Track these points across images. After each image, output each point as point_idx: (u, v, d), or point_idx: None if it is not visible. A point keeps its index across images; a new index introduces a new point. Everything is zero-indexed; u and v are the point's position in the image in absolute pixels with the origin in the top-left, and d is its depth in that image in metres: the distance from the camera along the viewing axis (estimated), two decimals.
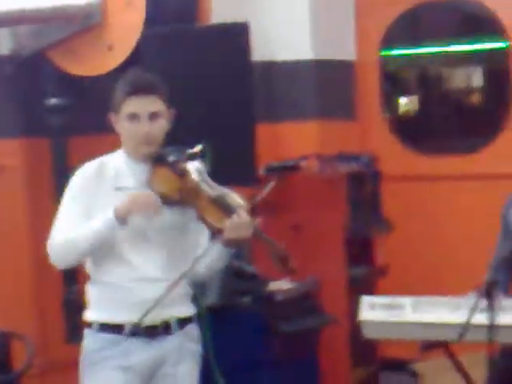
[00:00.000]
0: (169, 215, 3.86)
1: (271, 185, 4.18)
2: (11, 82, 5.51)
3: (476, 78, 8.06)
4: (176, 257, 3.90)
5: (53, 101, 5.35)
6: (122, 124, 3.85)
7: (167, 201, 3.84)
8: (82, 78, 5.32)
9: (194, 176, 3.86)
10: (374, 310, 4.19)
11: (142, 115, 3.78)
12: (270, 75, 6.45)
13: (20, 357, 4.78)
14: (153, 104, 3.79)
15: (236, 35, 5.14)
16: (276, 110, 6.55)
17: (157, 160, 3.84)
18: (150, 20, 5.23)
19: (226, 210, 3.80)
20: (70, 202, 3.89)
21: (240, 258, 4.71)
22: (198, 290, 4.41)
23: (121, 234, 3.84)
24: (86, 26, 5.30)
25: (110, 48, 5.28)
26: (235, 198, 3.88)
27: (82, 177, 3.90)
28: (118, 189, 3.84)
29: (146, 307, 3.73)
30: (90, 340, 3.85)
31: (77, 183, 3.90)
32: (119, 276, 3.81)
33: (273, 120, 6.43)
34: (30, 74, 5.47)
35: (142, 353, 3.83)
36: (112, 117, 3.88)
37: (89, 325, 3.85)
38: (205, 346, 4.15)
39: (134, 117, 3.79)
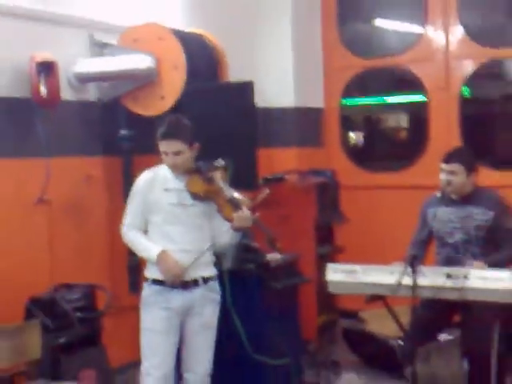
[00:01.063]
0: (198, 207, 3.94)
1: (266, 192, 4.21)
2: (97, 119, 5.51)
3: (404, 120, 8.10)
4: (202, 235, 3.97)
5: (123, 131, 5.38)
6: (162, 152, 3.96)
7: (197, 198, 3.91)
8: (143, 116, 5.31)
9: (217, 182, 3.92)
10: (336, 273, 4.20)
11: (169, 152, 3.88)
12: (267, 116, 6.46)
13: (100, 302, 4.85)
14: (176, 145, 3.86)
15: (245, 89, 5.13)
16: (270, 139, 6.56)
17: (192, 170, 3.92)
18: (189, 77, 5.22)
19: (236, 206, 3.88)
20: (133, 197, 4.02)
21: (247, 237, 4.73)
22: (219, 259, 4.41)
23: (166, 219, 3.93)
24: (146, 82, 5.30)
25: (162, 98, 5.28)
26: (243, 199, 3.97)
27: (142, 181, 4.01)
28: (166, 189, 3.93)
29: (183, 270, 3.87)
30: (147, 289, 3.98)
31: (138, 185, 4.02)
32: (165, 248, 3.88)
33: (268, 146, 6.45)
34: (109, 114, 5.48)
35: (178, 299, 3.91)
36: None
37: (146, 279, 3.99)
38: (224, 296, 4.23)
39: (164, 153, 3.91)
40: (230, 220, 3.93)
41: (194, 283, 3.93)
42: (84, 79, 5.42)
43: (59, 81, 5.05)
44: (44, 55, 4.96)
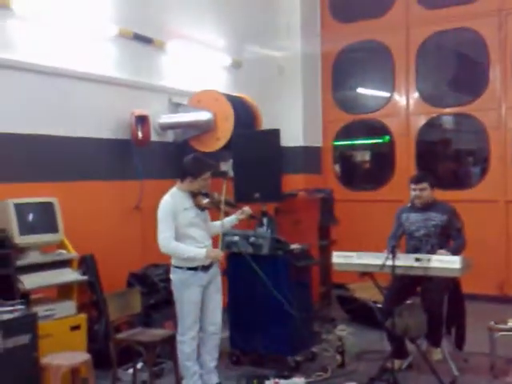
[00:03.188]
0: (204, 213, 3.86)
1: (226, 184, 3.92)
2: (173, 154, 5.52)
3: (376, 155, 7.93)
4: (207, 232, 3.87)
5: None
6: (196, 182, 3.74)
7: (204, 209, 3.84)
8: (203, 152, 5.25)
9: (211, 195, 3.83)
10: (338, 257, 4.14)
11: (208, 179, 3.81)
12: (285, 152, 6.34)
13: None
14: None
15: (274, 134, 5.06)
16: (288, 168, 6.46)
17: (195, 193, 3.82)
18: (236, 126, 5.29)
19: (230, 204, 3.90)
20: (165, 218, 3.70)
21: (274, 232, 4.73)
22: (258, 247, 4.32)
23: (190, 227, 3.73)
24: (207, 129, 5.37)
25: (218, 139, 5.35)
26: (232, 200, 3.99)
27: (169, 205, 3.73)
28: (185, 209, 3.74)
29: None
30: (182, 274, 3.76)
31: (166, 208, 3.72)
32: (191, 245, 3.73)
33: (287, 172, 6.33)
34: (181, 150, 5.44)
35: (205, 277, 3.80)
36: (187, 177, 3.75)
37: (180, 267, 3.77)
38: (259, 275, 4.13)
39: (206, 180, 3.79)
40: (228, 214, 3.90)
41: (210, 265, 3.82)
42: (165, 127, 5.53)
43: (150, 128, 5.16)
44: (140, 111, 5.10)
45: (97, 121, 4.90)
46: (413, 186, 4.39)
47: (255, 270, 4.19)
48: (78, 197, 4.67)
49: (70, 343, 3.83)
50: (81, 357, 3.61)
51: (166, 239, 3.67)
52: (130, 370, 4.20)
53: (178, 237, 3.72)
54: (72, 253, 4.13)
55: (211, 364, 3.97)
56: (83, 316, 4.07)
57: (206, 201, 3.80)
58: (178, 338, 3.84)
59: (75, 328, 3.96)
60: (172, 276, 3.83)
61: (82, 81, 4.76)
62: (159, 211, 3.73)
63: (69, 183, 4.62)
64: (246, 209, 4.00)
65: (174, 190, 3.83)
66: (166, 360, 4.37)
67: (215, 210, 3.88)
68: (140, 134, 5.09)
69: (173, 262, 3.81)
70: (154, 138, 5.35)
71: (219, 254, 3.78)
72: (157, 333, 4.11)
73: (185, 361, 3.83)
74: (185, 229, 3.73)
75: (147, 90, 5.37)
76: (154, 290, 4.73)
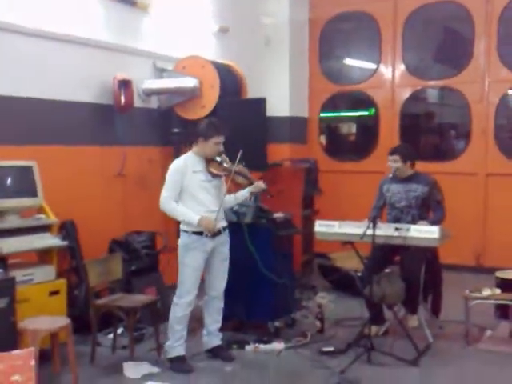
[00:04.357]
0: (215, 181, 3.76)
1: (241, 153, 3.73)
2: (157, 120, 5.42)
3: (361, 127, 7.90)
4: (218, 200, 3.75)
5: (175, 129, 5.32)
6: (208, 144, 3.68)
7: (215, 176, 3.74)
8: (188, 119, 5.25)
9: (224, 164, 3.73)
10: (321, 226, 4.09)
11: (220, 143, 3.70)
12: (271, 122, 6.22)
13: (159, 243, 4.81)
14: (222, 138, 3.72)
15: (260, 103, 5.00)
16: (273, 137, 6.36)
17: (209, 159, 3.75)
18: (221, 94, 5.17)
19: (243, 176, 3.76)
20: (171, 178, 3.69)
21: (259, 201, 4.56)
22: (242, 216, 4.27)
23: (198, 191, 3.67)
24: (192, 96, 5.24)
25: (203, 107, 5.22)
26: (247, 171, 3.81)
27: (178, 166, 3.71)
28: (195, 171, 3.70)
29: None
30: (188, 238, 3.72)
31: (176, 169, 3.71)
32: (198, 210, 3.66)
33: (272, 142, 6.25)
34: (165, 117, 5.38)
35: (210, 244, 3.75)
36: (199, 138, 3.69)
37: (186, 231, 3.72)
38: (245, 241, 4.14)
39: (217, 143, 3.70)
40: (240, 186, 3.81)
41: (219, 232, 3.77)
42: (149, 93, 5.39)
43: (133, 93, 5.02)
44: (123, 75, 4.95)
45: (78, 84, 4.74)
46: (388, 158, 4.38)
47: (239, 237, 4.13)
48: (59, 161, 4.53)
49: (49, 308, 3.73)
50: (60, 321, 3.52)
51: (166, 198, 3.68)
52: (111, 335, 4.12)
53: (185, 198, 3.69)
54: (51, 218, 4.00)
55: (212, 327, 3.94)
56: (63, 281, 3.97)
57: (218, 167, 3.72)
58: (174, 299, 3.79)
59: (54, 293, 3.86)
60: (179, 240, 3.79)
61: (63, 42, 4.57)
62: (168, 171, 3.73)
63: (49, 147, 4.48)
64: (260, 183, 3.87)
65: (188, 153, 3.80)
66: (147, 326, 4.32)
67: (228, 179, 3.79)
68: (123, 99, 4.94)
69: (181, 226, 3.77)
70: (137, 103, 5.21)
71: (211, 224, 3.64)
72: (138, 298, 4.06)
73: (175, 324, 3.77)
74: (192, 191, 3.68)
75: (131, 54, 5.19)
76: (136, 256, 4.67)
